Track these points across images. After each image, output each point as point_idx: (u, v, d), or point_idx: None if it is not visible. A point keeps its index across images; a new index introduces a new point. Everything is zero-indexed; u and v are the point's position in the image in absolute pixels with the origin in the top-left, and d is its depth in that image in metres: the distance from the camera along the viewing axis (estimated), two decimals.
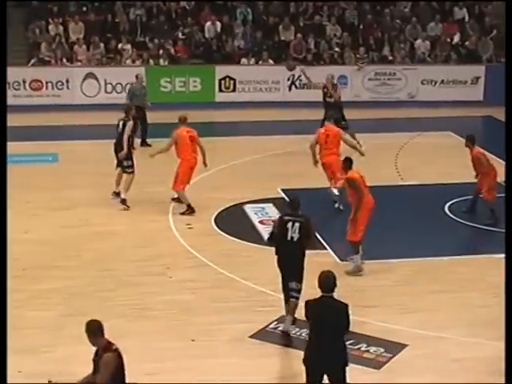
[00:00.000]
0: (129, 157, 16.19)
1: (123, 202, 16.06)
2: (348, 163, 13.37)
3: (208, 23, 26.38)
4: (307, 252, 11.19)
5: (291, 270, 11.00)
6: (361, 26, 27.18)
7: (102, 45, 25.68)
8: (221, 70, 25.43)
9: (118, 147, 16.31)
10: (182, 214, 15.77)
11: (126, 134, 16.06)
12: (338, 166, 15.00)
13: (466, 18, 27.66)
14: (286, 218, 11.10)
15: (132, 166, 16.19)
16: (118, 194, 16.37)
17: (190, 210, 15.80)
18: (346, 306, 8.55)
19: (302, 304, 11.70)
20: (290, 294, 11.02)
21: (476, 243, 15.32)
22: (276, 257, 11.19)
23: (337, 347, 8.52)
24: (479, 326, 11.49)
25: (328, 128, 16.46)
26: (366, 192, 13.09)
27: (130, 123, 16.19)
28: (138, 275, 13.04)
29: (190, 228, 15.22)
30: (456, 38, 27.07)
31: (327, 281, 8.56)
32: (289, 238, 10.94)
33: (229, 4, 27.40)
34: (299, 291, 10.98)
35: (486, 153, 16.09)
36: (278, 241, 11.12)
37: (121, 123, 16.30)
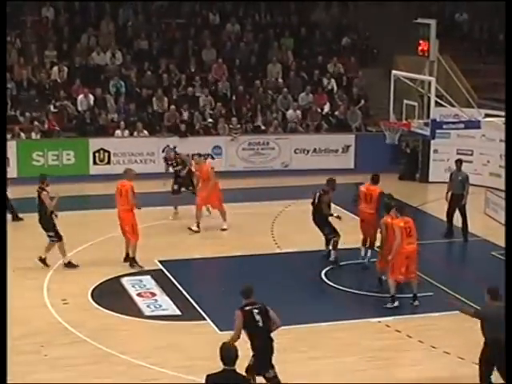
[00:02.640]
0: (49, 228, 16.42)
1: (68, 264, 16.44)
2: None
3: (80, 96, 26.22)
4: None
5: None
6: (233, 97, 27.63)
7: None
8: (95, 143, 25.21)
9: (40, 218, 16.62)
10: (125, 260, 16.70)
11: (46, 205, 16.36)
12: None
13: (335, 89, 28.50)
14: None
15: (55, 236, 16.41)
16: (43, 260, 16.50)
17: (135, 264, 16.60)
18: (249, 380, 8.44)
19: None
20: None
21: (353, 308, 15.50)
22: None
23: None
24: None
25: None
26: None
27: (44, 194, 16.38)
28: (10, 355, 12.55)
29: (65, 304, 14.87)
30: (326, 108, 27.82)
31: (228, 353, 8.37)
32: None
33: (101, 77, 27.37)
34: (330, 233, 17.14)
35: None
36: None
37: (37, 194, 16.54)
